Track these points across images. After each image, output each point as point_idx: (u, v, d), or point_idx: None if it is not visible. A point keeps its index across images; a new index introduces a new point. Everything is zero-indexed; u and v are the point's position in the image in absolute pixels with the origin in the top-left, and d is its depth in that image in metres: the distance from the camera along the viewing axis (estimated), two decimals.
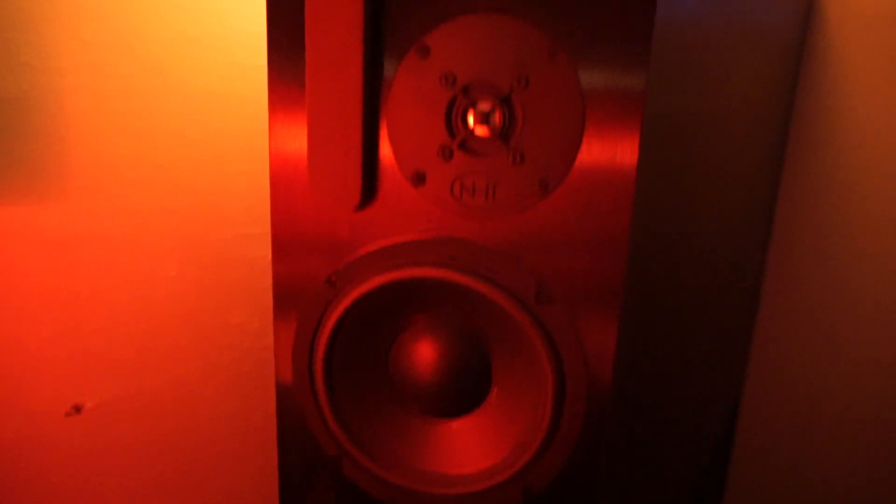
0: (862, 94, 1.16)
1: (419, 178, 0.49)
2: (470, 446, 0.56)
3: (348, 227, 0.52)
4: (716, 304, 0.83)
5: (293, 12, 0.49)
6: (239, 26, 0.82)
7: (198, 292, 0.86)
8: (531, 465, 0.52)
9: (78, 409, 0.75)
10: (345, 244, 0.53)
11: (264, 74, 0.52)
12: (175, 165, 0.79)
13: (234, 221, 0.87)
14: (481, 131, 0.46)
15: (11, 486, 0.73)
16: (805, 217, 1.21)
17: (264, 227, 0.89)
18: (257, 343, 0.95)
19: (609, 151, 0.45)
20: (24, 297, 0.70)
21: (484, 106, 0.46)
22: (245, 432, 0.95)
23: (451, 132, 0.47)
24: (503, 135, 0.46)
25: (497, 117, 0.46)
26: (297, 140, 0.52)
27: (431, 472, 0.56)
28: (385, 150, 0.49)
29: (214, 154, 0.82)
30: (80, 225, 0.72)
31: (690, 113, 0.55)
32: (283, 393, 0.60)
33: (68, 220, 0.71)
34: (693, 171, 0.59)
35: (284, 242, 0.55)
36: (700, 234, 0.67)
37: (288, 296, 0.56)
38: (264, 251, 0.90)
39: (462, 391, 0.56)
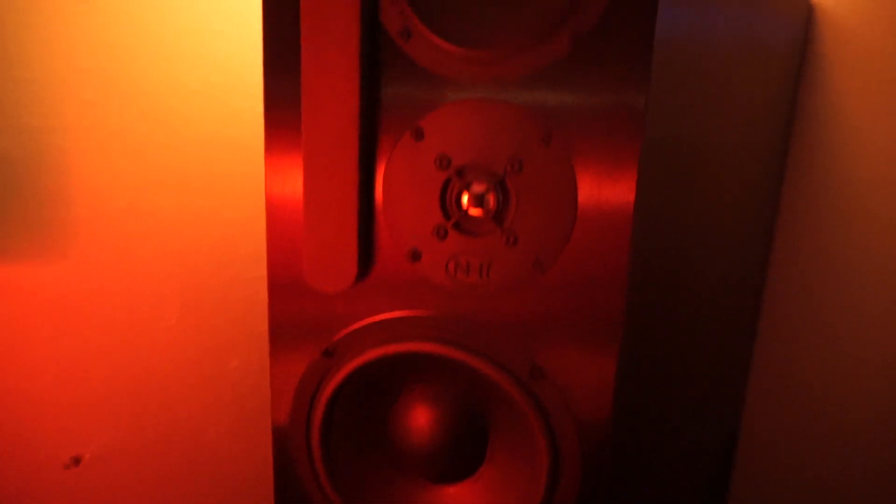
0: (861, 109, 1.17)
1: (415, 256, 0.49)
2: None
3: (344, 300, 0.52)
4: (712, 349, 0.83)
5: (291, 86, 0.50)
6: (238, 74, 0.83)
7: (198, 337, 0.86)
8: None
9: (77, 461, 0.75)
10: (341, 314, 0.53)
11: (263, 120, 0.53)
12: (176, 214, 0.80)
13: (233, 265, 0.87)
14: (476, 213, 0.47)
15: None
16: (805, 242, 1.21)
17: (263, 270, 0.90)
18: (257, 385, 0.95)
19: (602, 232, 0.45)
20: (26, 351, 0.71)
21: (478, 188, 0.47)
22: (244, 476, 0.95)
23: (446, 213, 0.48)
24: (497, 216, 0.47)
25: (491, 200, 0.47)
26: (293, 184, 0.52)
27: None
28: (382, 225, 0.50)
29: (215, 201, 0.83)
30: (82, 279, 0.73)
31: (684, 187, 0.55)
32: (279, 438, 0.60)
33: (71, 275, 0.72)
34: (688, 233, 0.60)
35: (281, 286, 0.55)
36: (696, 288, 0.67)
37: (285, 340, 0.56)
38: (263, 294, 0.90)
39: (458, 458, 0.56)
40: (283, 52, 0.50)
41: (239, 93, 0.83)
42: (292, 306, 0.54)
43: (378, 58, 0.47)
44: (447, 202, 0.48)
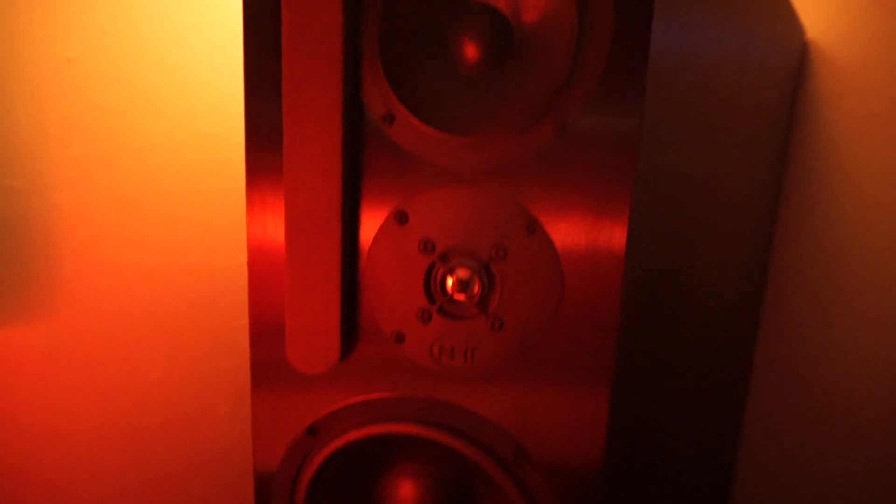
0: (854, 142, 1.17)
1: (399, 338, 0.48)
2: None
3: (328, 379, 0.51)
4: (706, 403, 0.82)
5: (273, 163, 0.49)
6: (224, 126, 0.82)
7: (185, 387, 0.85)
8: None
9: None
10: (325, 392, 0.53)
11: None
12: (162, 267, 0.79)
13: (220, 314, 0.87)
14: (460, 297, 0.46)
15: None
16: (799, 275, 1.21)
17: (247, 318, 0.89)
18: (243, 433, 0.94)
19: (588, 318, 0.45)
20: (13, 410, 0.70)
21: (462, 274, 0.46)
22: None
23: (431, 297, 0.47)
24: (482, 302, 0.46)
25: (476, 285, 0.46)
26: (277, 254, 0.51)
27: None
28: (366, 307, 0.49)
29: (201, 252, 0.82)
30: (69, 337, 0.72)
31: (674, 258, 0.54)
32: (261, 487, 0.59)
33: (58, 333, 0.71)
34: (680, 287, 0.59)
35: (264, 364, 0.54)
36: (688, 346, 0.66)
37: (268, 415, 0.56)
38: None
39: None
40: (265, 128, 0.49)
41: (226, 144, 0.82)
42: (276, 383, 0.53)
43: (361, 140, 0.46)
44: (431, 286, 0.47)
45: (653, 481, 0.63)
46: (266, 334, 0.52)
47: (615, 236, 0.42)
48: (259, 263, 0.51)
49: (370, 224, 0.47)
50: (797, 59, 1.21)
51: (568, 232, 0.44)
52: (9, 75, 0.63)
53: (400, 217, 0.46)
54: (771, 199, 1.10)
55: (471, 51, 0.44)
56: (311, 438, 0.53)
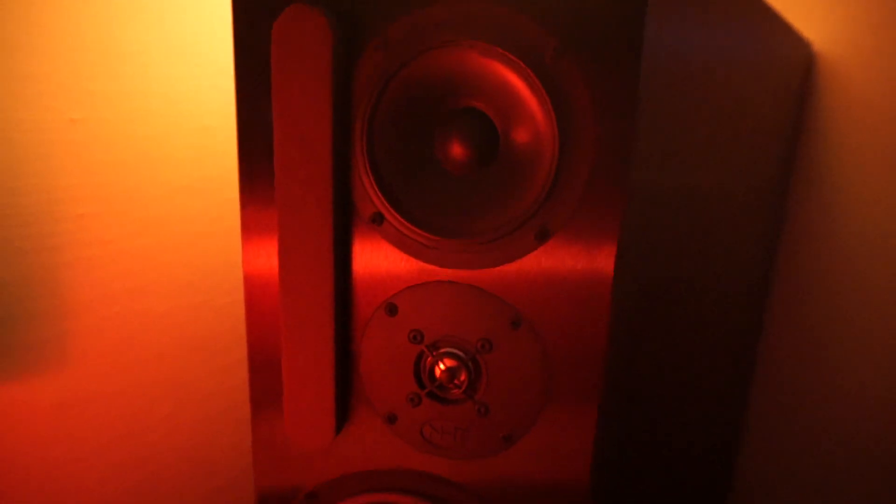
0: (861, 156, 1.18)
1: (391, 419, 0.51)
2: None
3: (325, 452, 0.54)
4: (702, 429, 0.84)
5: (268, 264, 0.51)
6: (222, 167, 0.84)
7: (192, 421, 0.89)
8: None
9: None
10: (323, 463, 0.55)
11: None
12: (164, 313, 0.81)
13: (220, 353, 0.89)
14: (447, 385, 0.49)
15: None
16: (801, 302, 1.22)
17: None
18: (248, 465, 0.98)
19: (571, 409, 0.47)
20: (30, 458, 0.73)
21: (449, 363, 0.48)
22: None
23: (420, 383, 0.49)
24: (468, 389, 0.48)
25: (462, 374, 0.48)
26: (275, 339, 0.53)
27: None
28: (359, 390, 0.52)
29: (200, 296, 0.85)
30: (79, 386, 0.75)
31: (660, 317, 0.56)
32: None
33: (68, 384, 0.74)
34: (671, 327, 0.61)
35: (265, 439, 0.57)
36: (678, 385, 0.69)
37: (270, 483, 0.58)
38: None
39: None
40: (259, 190, 0.51)
41: (225, 186, 0.84)
42: (276, 454, 0.56)
43: (350, 239, 0.48)
44: (421, 373, 0.49)
45: None
46: (266, 406, 0.55)
47: (598, 334, 0.44)
48: (256, 310, 0.53)
49: (363, 315, 0.49)
50: (803, 70, 1.21)
51: (552, 328, 0.46)
52: (15, 138, 0.65)
53: (390, 309, 0.48)
54: (776, 208, 1.11)
55: (458, 151, 0.46)
56: (308, 503, 0.56)
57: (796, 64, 1.06)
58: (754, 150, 0.81)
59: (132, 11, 0.71)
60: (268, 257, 0.52)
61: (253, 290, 0.53)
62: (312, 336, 0.48)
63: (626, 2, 0.39)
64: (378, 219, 0.47)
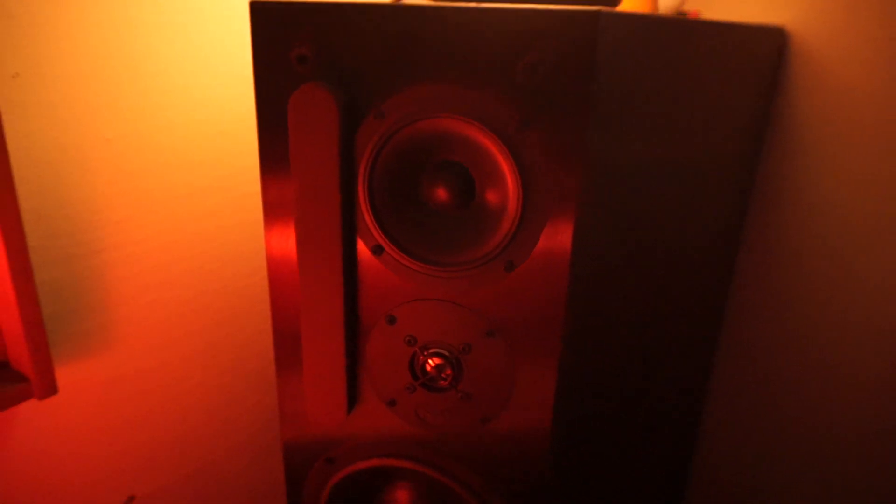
0: (831, 129, 1.28)
1: (392, 403, 0.63)
2: None
3: (341, 428, 0.67)
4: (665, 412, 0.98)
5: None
6: (238, 165, 0.93)
7: (219, 387, 1.01)
8: None
9: (132, 498, 0.92)
10: (339, 435, 0.68)
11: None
12: (194, 299, 0.93)
13: (243, 333, 1.01)
14: (437, 379, 0.61)
15: None
16: (768, 267, 1.35)
17: (268, 337, 1.05)
18: (271, 416, 1.11)
19: (532, 402, 0.59)
20: (90, 418, 0.86)
21: (437, 361, 0.60)
22: (259, 495, 1.13)
23: (414, 376, 0.61)
24: (453, 381, 0.60)
25: (447, 370, 0.60)
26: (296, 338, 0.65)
27: None
28: (366, 382, 0.64)
29: (225, 280, 0.96)
30: (125, 363, 0.87)
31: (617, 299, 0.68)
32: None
33: (116, 362, 0.86)
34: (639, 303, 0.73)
35: (291, 415, 0.70)
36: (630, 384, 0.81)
37: (297, 450, 0.72)
38: (268, 352, 1.06)
39: None
40: (279, 203, 0.62)
41: (243, 183, 0.94)
42: (301, 429, 0.69)
43: (355, 266, 0.59)
44: (415, 368, 0.61)
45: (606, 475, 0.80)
46: (290, 389, 0.67)
47: (553, 341, 0.56)
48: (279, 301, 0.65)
49: (368, 323, 0.61)
50: (775, 53, 1.29)
51: (519, 337, 0.57)
52: (58, 159, 0.75)
53: (390, 320, 0.60)
54: (745, 184, 1.23)
55: (441, 195, 0.56)
56: (329, 466, 0.69)
57: (768, 49, 1.14)
58: (729, 129, 0.91)
59: (152, 36, 0.79)
60: (287, 248, 0.63)
61: (275, 277, 0.64)
62: (328, 341, 0.60)
63: (577, 86, 0.48)
64: (378, 250, 0.57)
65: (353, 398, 0.65)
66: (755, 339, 1.49)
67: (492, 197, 0.54)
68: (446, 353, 0.60)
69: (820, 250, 1.33)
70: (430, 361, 0.61)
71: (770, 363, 1.49)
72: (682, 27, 0.66)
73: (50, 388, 0.73)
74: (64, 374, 0.81)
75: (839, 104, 1.27)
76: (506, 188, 0.53)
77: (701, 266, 1.08)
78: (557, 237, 0.53)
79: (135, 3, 0.77)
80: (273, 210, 0.61)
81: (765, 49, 1.19)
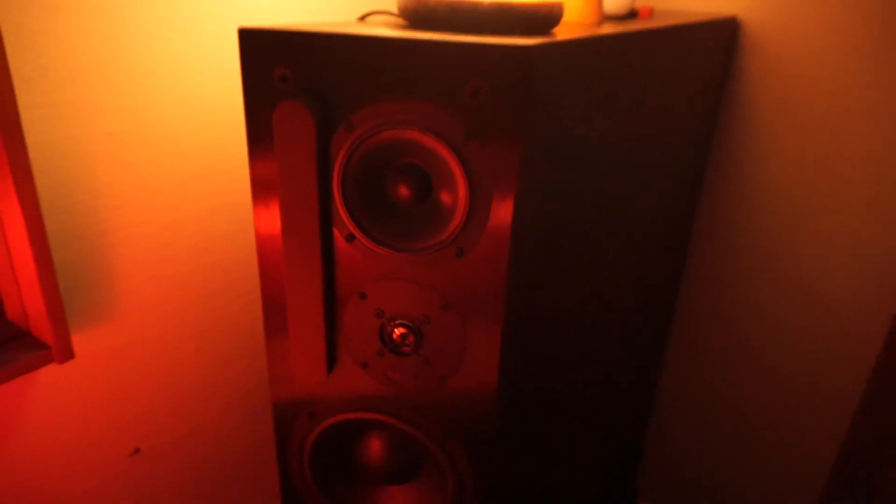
0: (779, 113, 1.41)
1: (365, 366, 0.74)
2: None
3: (322, 386, 0.78)
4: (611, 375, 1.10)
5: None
6: (226, 152, 1.02)
7: (212, 357, 1.12)
8: None
9: (137, 451, 1.04)
10: (320, 392, 0.79)
11: None
12: (190, 271, 1.03)
13: (235, 304, 1.12)
14: (401, 345, 0.72)
15: None
16: (720, 244, 1.48)
17: (257, 310, 1.15)
18: (260, 379, 1.23)
19: (481, 365, 0.70)
20: (101, 377, 0.96)
21: (402, 331, 0.71)
22: (253, 460, 1.25)
23: (383, 342, 0.72)
24: (415, 348, 0.71)
25: (410, 338, 0.71)
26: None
27: None
28: (343, 348, 0.75)
29: (216, 257, 1.06)
30: (128, 332, 0.97)
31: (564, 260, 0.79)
32: (281, 457, 0.88)
33: (119, 330, 0.96)
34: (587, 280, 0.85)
35: (279, 378, 0.81)
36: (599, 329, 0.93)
37: (285, 406, 0.83)
38: (257, 324, 1.16)
39: (396, 467, 0.84)
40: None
41: (232, 164, 1.03)
42: (288, 389, 0.80)
43: (332, 251, 0.69)
44: (383, 336, 0.72)
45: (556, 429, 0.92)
46: (278, 353, 0.78)
47: (497, 314, 0.67)
48: (268, 278, 0.76)
49: (344, 299, 0.71)
50: (728, 39, 1.40)
51: (470, 311, 0.68)
52: (64, 151, 0.84)
53: (361, 296, 0.71)
54: (700, 163, 1.34)
55: (403, 191, 0.66)
56: (311, 419, 0.80)
57: (721, 39, 1.25)
58: (682, 114, 1.02)
59: (147, 41, 0.87)
60: (273, 228, 0.73)
61: (263, 254, 0.74)
62: (310, 313, 0.71)
63: (511, 107, 0.58)
64: (350, 238, 0.68)
65: (331, 361, 0.76)
66: (709, 310, 1.63)
67: (445, 195, 0.65)
68: (409, 324, 0.71)
69: (766, 220, 1.46)
70: (395, 331, 0.72)
71: (723, 331, 1.63)
72: (618, 41, 0.76)
73: (67, 354, 0.84)
74: (78, 342, 0.91)
75: (786, 87, 1.38)
76: (456, 188, 0.64)
77: (655, 244, 1.19)
78: (499, 229, 0.64)
79: (131, 14, 0.85)
80: (260, 195, 0.71)
81: (718, 39, 1.29)
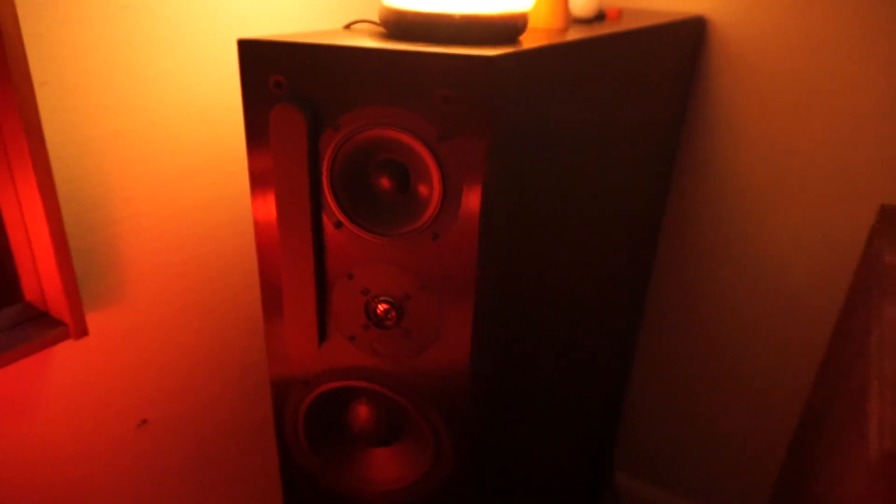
0: (745, 108, 1.51)
1: (352, 339, 0.84)
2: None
3: (314, 357, 0.87)
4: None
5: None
6: (223, 147, 1.11)
7: (213, 334, 1.21)
8: None
9: (144, 422, 1.13)
10: (313, 362, 0.88)
11: None
12: (190, 258, 1.11)
13: (232, 287, 1.21)
14: (384, 319, 0.81)
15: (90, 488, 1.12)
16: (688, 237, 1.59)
17: (254, 292, 1.24)
18: (258, 356, 1.32)
19: (454, 339, 0.79)
20: (111, 352, 1.05)
21: (385, 307, 0.80)
22: (252, 429, 1.34)
23: (368, 317, 0.81)
24: (397, 322, 0.80)
25: (392, 313, 0.80)
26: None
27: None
28: (333, 323, 0.84)
29: (217, 243, 1.15)
30: (135, 311, 1.06)
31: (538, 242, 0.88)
32: (278, 420, 0.97)
33: (127, 309, 1.05)
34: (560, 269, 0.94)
35: (276, 352, 0.90)
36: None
37: (281, 375, 0.92)
38: (254, 305, 1.25)
39: (381, 427, 0.94)
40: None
41: (225, 163, 1.12)
42: (284, 361, 0.89)
43: (322, 237, 0.78)
44: (368, 312, 0.81)
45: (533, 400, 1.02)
46: (276, 331, 0.87)
47: (468, 292, 0.76)
48: (266, 262, 0.84)
49: (333, 279, 0.80)
50: (696, 37, 1.49)
51: (444, 291, 0.77)
52: (76, 150, 0.92)
53: (349, 276, 0.79)
54: (671, 151, 1.43)
55: (385, 183, 0.75)
56: (305, 388, 0.89)
57: (689, 36, 1.34)
58: (651, 107, 1.11)
59: (151, 50, 0.95)
60: (270, 216, 0.82)
61: (261, 241, 0.83)
62: (303, 292, 0.80)
63: (477, 111, 0.67)
64: (339, 225, 0.77)
65: (322, 335, 0.85)
66: (679, 294, 1.73)
67: (421, 187, 0.73)
68: (391, 300, 0.80)
69: (733, 207, 1.55)
70: (379, 307, 0.81)
71: (693, 314, 1.74)
72: (576, 47, 0.85)
73: (82, 331, 0.92)
74: (91, 321, 1.00)
75: (750, 82, 1.48)
76: (431, 181, 0.72)
77: (627, 231, 1.28)
78: (469, 216, 0.72)
79: (137, 25, 0.93)
80: (258, 187, 0.80)
81: (685, 37, 1.38)
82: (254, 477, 1.39)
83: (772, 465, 1.69)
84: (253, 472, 1.39)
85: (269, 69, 0.72)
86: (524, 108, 0.75)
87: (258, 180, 0.80)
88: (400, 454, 0.94)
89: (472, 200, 0.71)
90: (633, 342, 1.76)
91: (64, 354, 0.98)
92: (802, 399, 1.59)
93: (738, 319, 1.61)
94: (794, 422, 1.63)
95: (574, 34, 0.93)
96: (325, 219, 0.77)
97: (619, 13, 1.26)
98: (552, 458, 1.34)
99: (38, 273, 0.90)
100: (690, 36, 1.43)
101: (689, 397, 1.76)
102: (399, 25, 0.77)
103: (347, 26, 0.87)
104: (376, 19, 0.94)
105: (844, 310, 1.33)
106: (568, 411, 1.33)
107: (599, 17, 1.18)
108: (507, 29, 0.78)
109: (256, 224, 0.82)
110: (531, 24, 0.97)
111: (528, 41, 0.80)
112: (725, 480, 1.79)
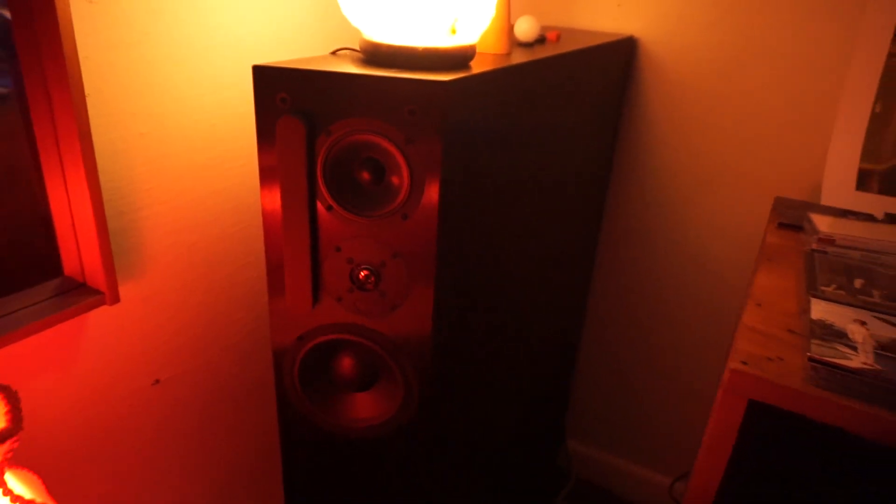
0: (669, 114, 1.78)
1: (339, 299, 1.05)
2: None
3: (308, 314, 1.08)
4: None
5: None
6: (227, 146, 1.31)
7: (216, 306, 1.41)
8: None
9: (157, 381, 1.32)
10: (307, 319, 1.09)
11: None
12: (197, 241, 1.31)
13: (233, 265, 1.41)
14: (365, 283, 1.03)
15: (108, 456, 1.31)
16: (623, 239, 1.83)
17: (254, 271, 1.44)
18: (257, 325, 1.52)
19: (420, 298, 1.02)
20: (132, 322, 1.24)
21: (366, 273, 1.02)
22: (254, 390, 1.55)
23: (352, 282, 1.03)
24: (375, 286, 1.02)
25: (371, 279, 1.02)
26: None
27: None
28: (324, 286, 1.05)
29: (224, 226, 1.35)
30: (150, 285, 1.26)
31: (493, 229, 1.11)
32: (278, 376, 1.18)
33: (144, 285, 1.25)
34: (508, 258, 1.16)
35: (277, 308, 1.11)
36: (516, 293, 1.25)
37: (278, 331, 1.13)
38: (255, 281, 1.45)
39: (363, 378, 1.15)
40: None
41: (229, 159, 1.32)
42: (283, 319, 1.10)
43: (316, 217, 0.99)
44: (352, 278, 1.03)
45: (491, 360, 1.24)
46: (276, 290, 1.08)
47: (429, 259, 0.98)
48: (271, 235, 1.06)
49: (324, 251, 1.02)
50: (628, 55, 1.74)
51: (412, 260, 0.99)
52: (108, 149, 1.11)
53: (337, 249, 1.01)
54: (608, 151, 1.67)
55: (365, 176, 0.97)
56: (300, 342, 1.11)
57: (623, 52, 1.58)
58: (589, 115, 1.35)
59: (172, 65, 1.15)
60: (275, 205, 1.03)
61: (268, 222, 1.04)
62: (300, 262, 1.01)
63: (434, 122, 0.89)
64: (329, 209, 0.98)
65: (315, 297, 1.06)
66: (620, 274, 1.99)
67: (394, 179, 0.95)
68: (371, 268, 1.02)
69: (662, 197, 1.81)
70: (361, 273, 1.03)
71: (634, 291, 2.00)
72: (516, 69, 1.08)
73: (116, 299, 1.12)
74: (121, 291, 1.19)
75: (673, 92, 1.73)
76: (402, 174, 0.94)
77: (572, 216, 1.52)
78: (430, 201, 0.95)
79: (157, 47, 1.13)
80: (266, 180, 1.01)
81: (618, 55, 1.63)
82: (252, 427, 1.60)
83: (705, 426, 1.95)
84: (251, 424, 1.60)
85: (276, 88, 0.94)
86: (473, 119, 0.97)
87: (266, 175, 1.01)
88: (376, 396, 1.16)
89: (432, 189, 0.94)
90: (582, 314, 2.00)
91: (97, 320, 1.17)
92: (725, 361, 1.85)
93: (669, 291, 1.86)
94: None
95: (517, 58, 1.16)
96: (318, 204, 0.99)
97: (558, 36, 1.50)
98: (507, 420, 1.57)
99: (80, 251, 1.09)
100: (623, 53, 1.67)
101: (632, 368, 2.01)
102: (375, 54, 0.99)
103: (334, 52, 1.09)
104: (356, 46, 1.15)
105: (750, 280, 1.59)
106: (521, 378, 1.57)
107: (540, 40, 1.41)
108: (459, 58, 1.01)
109: (264, 211, 1.03)
110: (481, 48, 1.20)
111: (476, 66, 1.02)
112: (665, 441, 2.04)
